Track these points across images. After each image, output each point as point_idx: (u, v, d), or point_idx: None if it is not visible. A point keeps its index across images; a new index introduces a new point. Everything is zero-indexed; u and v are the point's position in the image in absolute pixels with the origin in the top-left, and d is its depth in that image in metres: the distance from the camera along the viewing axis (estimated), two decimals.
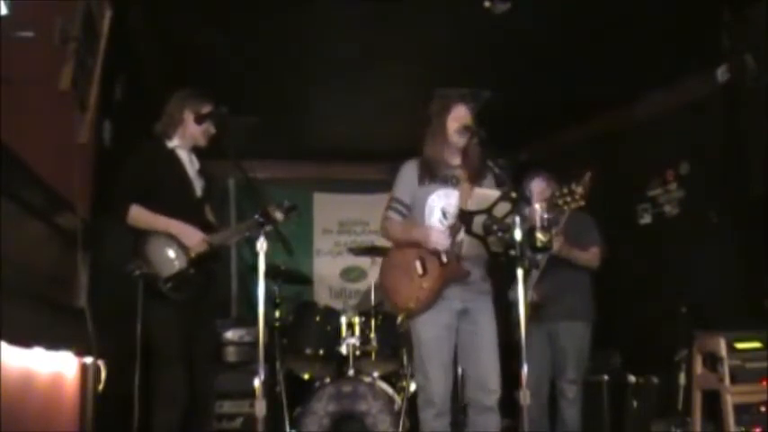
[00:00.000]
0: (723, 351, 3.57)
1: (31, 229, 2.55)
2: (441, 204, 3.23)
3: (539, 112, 5.41)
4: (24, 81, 2.30)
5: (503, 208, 2.86)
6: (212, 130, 3.35)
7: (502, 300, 3.80)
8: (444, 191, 3.24)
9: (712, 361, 3.66)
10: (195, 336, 3.18)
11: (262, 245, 3.00)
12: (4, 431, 2.14)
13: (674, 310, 4.33)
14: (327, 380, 4.44)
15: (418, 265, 3.18)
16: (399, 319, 4.24)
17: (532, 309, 3.74)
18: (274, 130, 5.75)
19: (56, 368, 2.80)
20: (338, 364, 4.64)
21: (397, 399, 4.41)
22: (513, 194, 2.85)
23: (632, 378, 4.44)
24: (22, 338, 2.31)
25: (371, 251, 4.90)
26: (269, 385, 4.37)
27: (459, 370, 3.48)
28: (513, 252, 2.82)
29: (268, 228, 3.03)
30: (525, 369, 2.77)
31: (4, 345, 2.16)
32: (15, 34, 2.24)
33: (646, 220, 5.29)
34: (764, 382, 3.55)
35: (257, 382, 2.94)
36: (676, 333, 4.19)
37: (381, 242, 3.47)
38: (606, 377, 4.46)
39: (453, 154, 3.29)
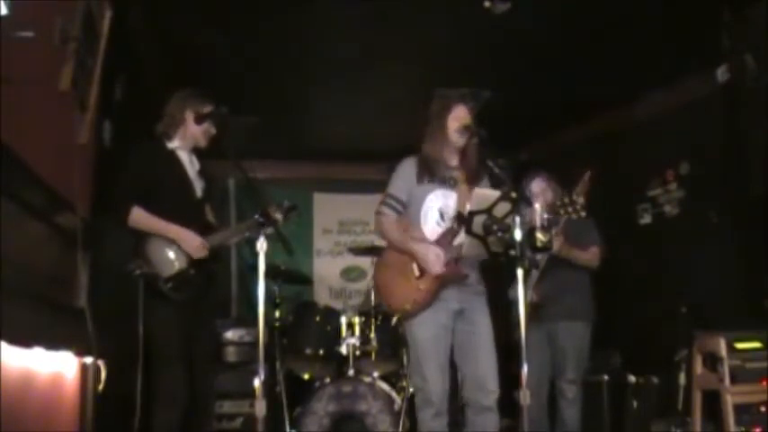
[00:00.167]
0: (723, 351, 3.57)
1: (31, 229, 2.55)
2: (438, 205, 3.21)
3: (539, 112, 5.41)
4: (24, 81, 2.30)
5: (503, 208, 2.86)
6: (212, 130, 3.35)
7: (502, 300, 3.80)
8: (442, 191, 3.22)
9: (712, 361, 3.66)
10: (195, 336, 3.18)
11: (262, 245, 3.00)
12: (4, 431, 2.14)
13: (674, 310, 4.33)
14: (327, 380, 4.44)
15: (415, 266, 3.16)
16: (395, 319, 4.26)
17: (532, 309, 3.73)
18: (274, 130, 5.75)
19: (56, 368, 2.81)
20: (338, 364, 4.64)
21: (397, 399, 4.40)
22: (513, 194, 2.85)
23: (632, 378, 4.44)
24: (22, 338, 2.31)
25: (371, 251, 4.89)
26: (269, 385, 4.37)
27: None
28: (513, 252, 2.82)
29: (268, 228, 3.03)
30: (525, 369, 2.77)
31: (4, 345, 2.16)
32: (15, 34, 2.24)
33: (646, 220, 5.29)
34: (764, 382, 3.55)
35: (257, 382, 2.94)
36: (676, 333, 4.19)
37: (381, 242, 3.46)
38: (606, 377, 4.46)
39: (452, 154, 3.28)
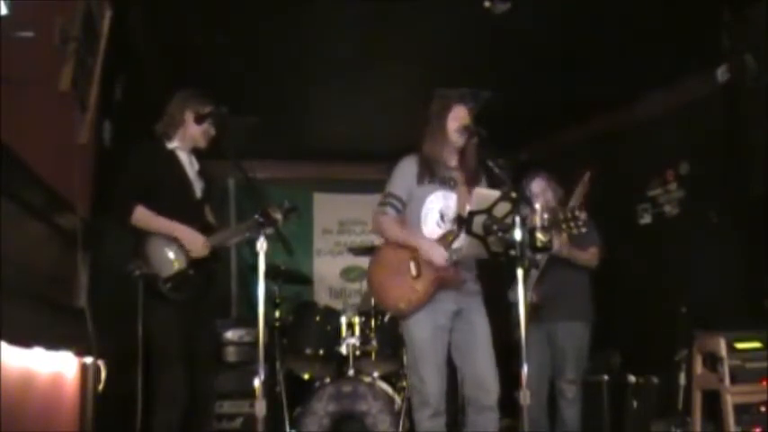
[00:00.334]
0: (723, 351, 3.57)
1: (31, 229, 2.55)
2: (439, 206, 3.21)
3: (539, 112, 5.41)
4: (24, 81, 2.30)
5: (503, 208, 2.86)
6: (212, 131, 3.35)
7: (502, 300, 3.80)
8: (443, 193, 3.22)
9: (712, 361, 3.66)
10: (195, 336, 3.18)
11: (262, 245, 3.00)
12: (4, 431, 2.14)
13: (674, 310, 4.33)
14: (327, 380, 4.43)
15: (413, 266, 3.15)
16: (387, 317, 4.27)
17: (532, 309, 3.73)
18: (274, 130, 5.75)
19: (56, 368, 2.81)
20: (338, 364, 4.64)
21: (397, 399, 4.40)
22: (513, 194, 2.85)
23: (632, 378, 4.43)
24: (22, 338, 2.31)
25: (371, 251, 4.88)
26: (269, 385, 4.37)
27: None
28: (513, 252, 2.82)
29: (268, 229, 3.03)
30: (525, 369, 2.77)
31: (4, 345, 2.16)
32: (15, 34, 2.25)
33: (646, 220, 5.29)
34: (764, 382, 3.55)
35: (257, 382, 2.94)
36: (676, 333, 4.19)
37: (381, 242, 3.46)
38: (606, 377, 4.46)
39: (451, 154, 3.28)
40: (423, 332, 3.13)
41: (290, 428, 4.33)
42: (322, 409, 4.27)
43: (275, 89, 5.08)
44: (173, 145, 3.30)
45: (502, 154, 3.29)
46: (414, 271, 3.15)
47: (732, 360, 3.56)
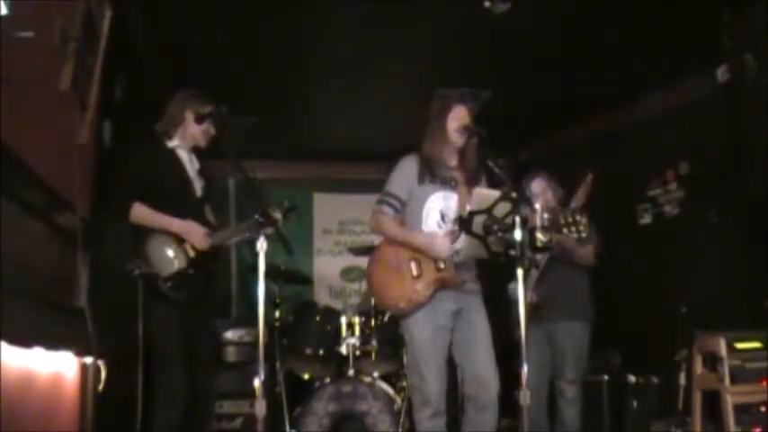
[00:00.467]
0: (723, 351, 3.57)
1: (31, 229, 2.55)
2: (440, 207, 3.21)
3: (539, 112, 5.41)
4: (24, 81, 2.30)
5: (503, 208, 2.86)
6: (212, 130, 3.35)
7: (502, 300, 3.80)
8: (444, 193, 3.22)
9: (712, 361, 3.66)
10: (195, 335, 3.18)
11: (262, 245, 3.00)
12: (4, 431, 2.14)
13: (674, 310, 4.33)
14: (327, 380, 4.43)
15: (413, 266, 3.16)
16: (387, 316, 4.27)
17: (532, 309, 3.73)
18: (274, 130, 5.75)
19: (56, 368, 2.81)
20: (338, 364, 4.64)
21: (397, 399, 4.40)
22: (513, 194, 2.85)
23: (632, 378, 4.44)
24: (22, 338, 2.31)
25: (371, 251, 4.89)
26: (269, 385, 4.37)
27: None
28: (513, 252, 2.82)
29: (268, 228, 3.03)
30: (525, 369, 2.77)
31: (4, 345, 2.16)
32: (15, 34, 2.25)
33: (646, 220, 5.29)
34: (764, 382, 3.55)
35: (257, 382, 2.94)
36: (676, 333, 4.19)
37: (380, 241, 3.46)
38: (606, 377, 4.46)
39: (452, 154, 3.28)
40: (423, 332, 3.13)
41: (290, 428, 4.33)
42: (322, 409, 4.27)
43: (275, 89, 5.08)
44: (173, 144, 3.31)
45: (502, 154, 3.29)
46: (415, 271, 3.15)
47: (732, 360, 3.56)
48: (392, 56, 4.62)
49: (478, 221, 2.91)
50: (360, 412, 4.26)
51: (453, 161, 3.28)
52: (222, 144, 3.34)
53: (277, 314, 4.75)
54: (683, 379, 4.07)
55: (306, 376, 4.77)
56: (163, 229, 3.14)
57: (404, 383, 4.47)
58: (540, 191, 4.09)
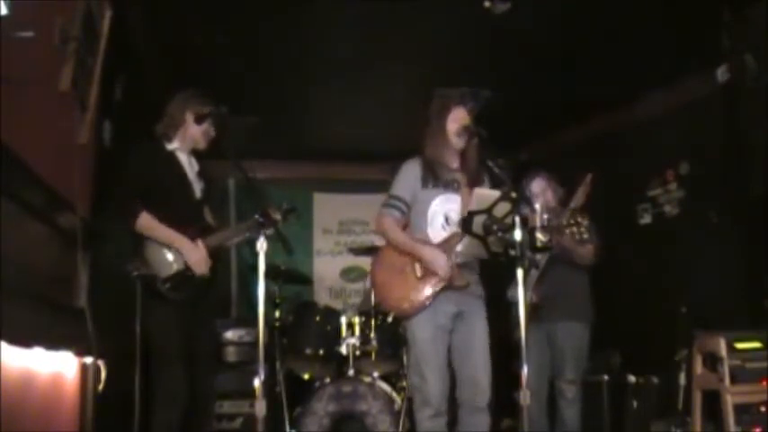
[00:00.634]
0: (723, 351, 3.57)
1: (31, 229, 2.55)
2: (444, 209, 3.23)
3: (539, 112, 5.41)
4: (24, 81, 2.30)
5: (503, 208, 2.86)
6: (212, 132, 3.35)
7: (502, 300, 3.80)
8: (447, 195, 3.24)
9: (712, 361, 3.66)
10: (195, 335, 3.18)
11: (262, 245, 3.00)
12: (4, 431, 2.14)
13: (674, 310, 4.33)
14: (327, 380, 4.43)
15: (417, 267, 3.19)
16: (390, 318, 4.27)
17: (531, 309, 3.73)
18: (274, 130, 5.75)
19: (56, 368, 2.81)
20: (338, 364, 4.64)
21: (397, 399, 4.40)
22: (513, 194, 2.85)
23: (632, 378, 4.43)
24: (22, 338, 2.31)
25: (371, 251, 4.89)
26: (269, 385, 4.37)
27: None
28: (513, 252, 2.82)
29: (268, 229, 3.03)
30: (525, 369, 2.77)
31: (4, 345, 2.16)
32: (15, 34, 2.25)
33: (646, 220, 5.29)
34: (764, 382, 3.55)
35: (257, 382, 2.94)
36: (676, 333, 4.19)
37: (382, 242, 3.47)
38: (606, 377, 4.46)
39: (453, 156, 3.29)
40: (424, 332, 3.14)
41: (290, 428, 4.33)
42: (322, 409, 4.27)
43: (275, 89, 5.08)
44: (172, 146, 3.30)
45: (502, 154, 3.29)
46: (419, 272, 3.18)
47: (732, 360, 3.56)
48: (392, 56, 4.62)
49: (478, 221, 2.91)
50: (360, 412, 4.26)
51: (455, 163, 3.30)
52: (222, 144, 3.34)
53: (277, 314, 4.74)
54: (683, 379, 4.07)
55: (306, 376, 4.77)
56: (166, 243, 3.13)
57: (404, 383, 4.47)
58: (540, 191, 4.09)
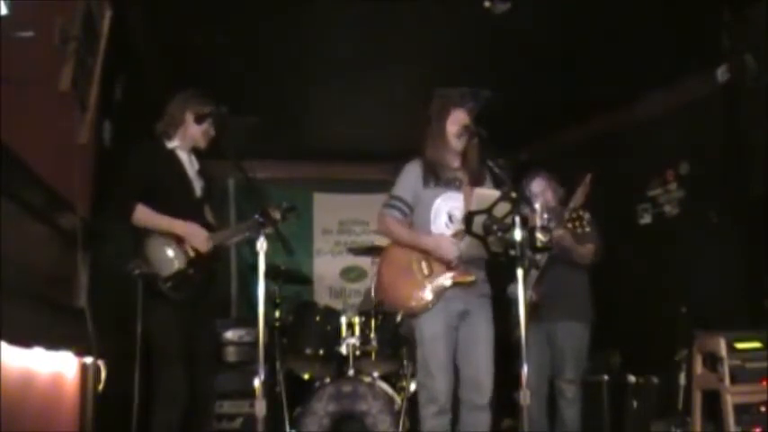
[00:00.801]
0: (723, 351, 3.57)
1: (31, 229, 2.55)
2: (447, 208, 3.25)
3: (539, 112, 5.41)
4: (24, 81, 2.30)
5: (503, 208, 2.86)
6: (212, 131, 3.36)
7: (502, 299, 3.80)
8: (449, 194, 3.26)
9: (712, 361, 3.66)
10: (195, 335, 3.18)
11: (262, 245, 3.00)
12: (4, 431, 2.14)
13: (674, 310, 4.33)
14: (327, 380, 4.43)
15: (424, 265, 3.20)
16: (399, 317, 4.27)
17: (531, 309, 3.73)
18: (274, 130, 5.75)
19: (56, 368, 2.80)
20: (338, 364, 4.64)
21: (397, 399, 4.40)
22: (513, 194, 2.85)
23: (632, 378, 4.44)
24: (22, 338, 2.31)
25: (371, 251, 4.90)
26: (269, 385, 4.36)
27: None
28: (513, 252, 2.82)
29: (268, 228, 3.03)
30: (525, 369, 2.77)
31: (4, 345, 2.16)
32: (15, 34, 2.25)
33: (646, 220, 5.29)
34: (764, 382, 3.55)
35: (257, 382, 2.94)
36: (676, 333, 4.19)
37: (381, 242, 3.47)
38: (606, 377, 4.46)
39: (454, 156, 3.31)
40: (432, 330, 3.16)
41: (290, 428, 4.33)
42: (322, 409, 4.26)
43: (275, 89, 5.08)
44: (172, 145, 3.31)
45: (502, 154, 3.30)
46: (425, 270, 3.19)
47: (732, 360, 3.56)
48: (392, 56, 4.62)
49: (478, 221, 2.91)
50: (360, 412, 4.26)
51: (456, 163, 3.32)
52: (222, 144, 3.35)
53: (277, 314, 4.74)
54: (683, 379, 4.07)
55: (306, 376, 4.77)
56: (166, 230, 3.14)
57: (404, 383, 4.47)
58: (540, 191, 4.09)
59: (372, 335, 4.52)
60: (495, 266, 3.29)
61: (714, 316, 4.18)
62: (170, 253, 3.14)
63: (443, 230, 3.23)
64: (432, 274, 3.18)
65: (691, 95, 4.83)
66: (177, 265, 3.13)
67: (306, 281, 5.72)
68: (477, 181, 3.24)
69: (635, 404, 4.39)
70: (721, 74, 4.39)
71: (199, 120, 3.29)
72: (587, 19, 4.12)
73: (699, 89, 4.70)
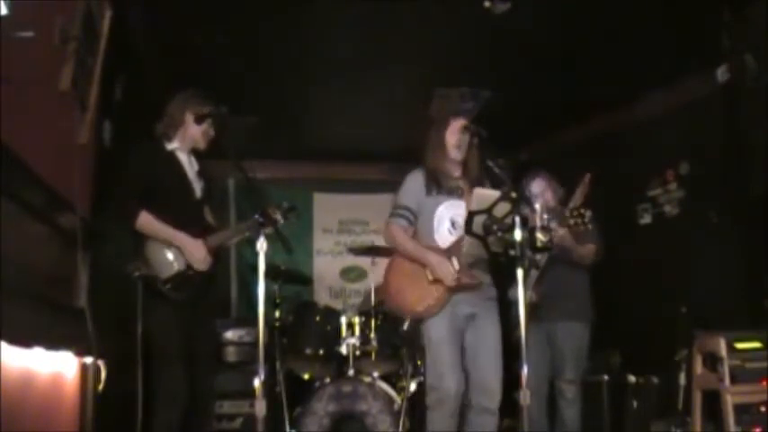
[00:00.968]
0: (723, 351, 3.57)
1: (31, 229, 2.55)
2: (449, 215, 3.29)
3: (539, 112, 5.41)
4: (24, 81, 2.30)
5: (503, 208, 2.87)
6: (212, 132, 3.36)
7: (502, 300, 3.80)
8: (451, 201, 3.30)
9: (712, 361, 3.66)
10: (195, 335, 3.18)
11: (262, 245, 3.00)
12: (4, 431, 2.14)
13: (674, 310, 4.33)
14: (327, 380, 4.43)
15: (429, 271, 3.22)
16: (406, 324, 4.27)
17: (531, 309, 3.73)
18: (274, 130, 5.75)
19: (56, 368, 2.81)
20: (338, 364, 4.64)
21: (397, 399, 4.40)
22: (513, 194, 2.86)
23: (632, 378, 4.43)
24: (22, 338, 2.31)
25: (371, 251, 4.90)
26: (269, 385, 4.36)
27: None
28: (513, 252, 2.83)
29: (268, 228, 3.03)
30: (525, 369, 2.77)
31: (4, 345, 2.16)
32: (15, 34, 2.25)
33: (646, 220, 5.29)
34: (764, 382, 3.55)
35: (257, 382, 2.94)
36: (676, 333, 4.19)
37: (381, 242, 3.48)
38: (606, 377, 4.46)
39: (454, 166, 3.37)
40: (440, 333, 3.19)
41: (290, 428, 4.33)
42: (322, 409, 4.27)
43: (275, 89, 5.07)
44: (172, 146, 3.30)
45: (502, 154, 3.31)
46: (430, 276, 3.22)
47: (732, 360, 3.56)
48: (392, 56, 4.61)
49: (478, 221, 2.91)
50: (360, 412, 4.26)
51: (457, 172, 3.38)
52: (222, 144, 3.35)
53: (277, 314, 4.74)
54: (683, 379, 4.07)
55: (306, 376, 4.77)
56: (167, 241, 3.13)
57: (404, 383, 4.47)
58: (540, 191, 4.09)
59: (372, 335, 4.52)
60: (495, 268, 3.30)
61: (714, 316, 4.17)
62: (170, 255, 3.14)
63: (447, 237, 3.26)
64: (436, 281, 3.20)
65: (691, 95, 4.83)
66: (177, 267, 3.13)
67: (306, 281, 5.72)
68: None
69: (635, 404, 4.39)
70: (721, 74, 4.39)
71: (199, 120, 3.29)
72: (587, 19, 4.12)
73: (699, 89, 4.70)
